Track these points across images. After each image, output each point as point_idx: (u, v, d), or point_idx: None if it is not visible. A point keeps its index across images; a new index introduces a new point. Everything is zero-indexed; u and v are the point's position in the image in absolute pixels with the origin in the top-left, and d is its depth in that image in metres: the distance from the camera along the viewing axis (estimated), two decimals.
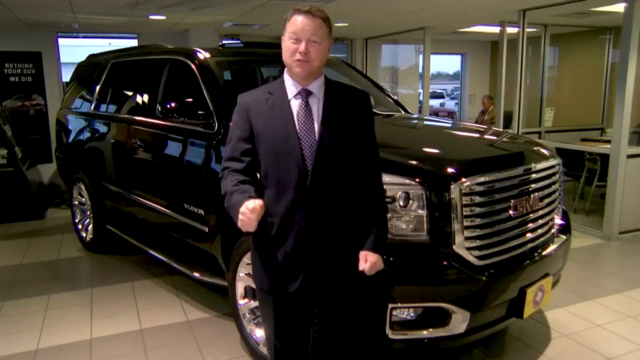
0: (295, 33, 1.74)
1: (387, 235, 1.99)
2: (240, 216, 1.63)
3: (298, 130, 1.76)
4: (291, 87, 1.82)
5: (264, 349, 2.71)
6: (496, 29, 7.68)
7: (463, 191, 2.34)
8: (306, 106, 1.79)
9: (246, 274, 2.78)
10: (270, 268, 1.83)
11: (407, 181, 2.32)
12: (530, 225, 2.64)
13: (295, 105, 1.80)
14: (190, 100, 3.14)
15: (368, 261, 1.84)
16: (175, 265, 3.48)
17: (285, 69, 1.85)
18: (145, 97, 3.91)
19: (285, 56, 1.78)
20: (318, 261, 1.80)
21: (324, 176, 1.76)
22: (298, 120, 1.77)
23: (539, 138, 6.91)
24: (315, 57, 1.75)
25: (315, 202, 1.76)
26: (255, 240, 1.89)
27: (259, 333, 2.78)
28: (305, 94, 1.80)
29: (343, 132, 1.79)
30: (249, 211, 1.60)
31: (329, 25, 1.79)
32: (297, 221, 1.77)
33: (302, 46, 1.73)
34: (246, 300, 2.86)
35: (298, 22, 1.74)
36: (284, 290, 1.83)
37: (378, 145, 1.92)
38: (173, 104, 3.07)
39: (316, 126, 1.77)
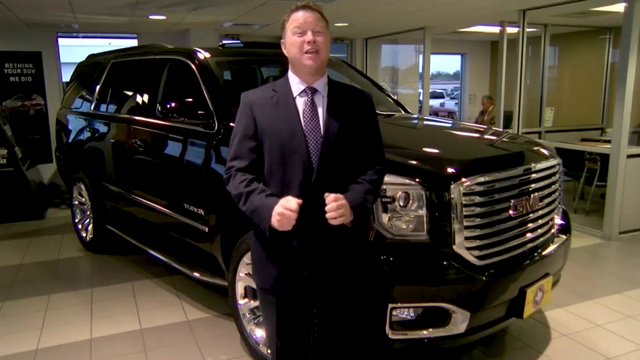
0: (299, 27, 1.76)
1: (371, 201, 1.85)
2: (277, 217, 1.66)
3: (304, 127, 1.77)
4: (296, 85, 1.83)
5: (264, 349, 2.71)
6: (496, 29, 7.68)
7: (463, 191, 2.34)
8: (312, 104, 1.80)
9: (246, 274, 2.78)
10: (272, 266, 1.83)
11: (407, 181, 2.32)
12: (530, 225, 2.63)
13: (301, 102, 1.81)
14: (190, 100, 3.14)
15: (336, 200, 1.68)
16: (175, 265, 3.48)
17: (290, 67, 1.86)
18: (145, 97, 3.91)
19: (293, 52, 1.78)
20: (322, 258, 1.80)
21: (329, 172, 1.77)
22: (304, 117, 1.78)
23: (539, 138, 6.91)
24: (323, 47, 1.78)
25: (320, 199, 1.76)
26: (257, 238, 1.89)
27: (259, 333, 2.78)
28: (310, 91, 1.81)
29: (348, 129, 1.80)
30: (291, 211, 1.64)
31: (326, 20, 1.82)
32: (301, 218, 1.77)
33: (309, 36, 1.75)
34: (246, 300, 2.86)
35: (299, 16, 1.77)
36: (286, 289, 1.83)
37: (383, 145, 1.93)
38: (173, 104, 3.07)
39: (321, 123, 1.79)
